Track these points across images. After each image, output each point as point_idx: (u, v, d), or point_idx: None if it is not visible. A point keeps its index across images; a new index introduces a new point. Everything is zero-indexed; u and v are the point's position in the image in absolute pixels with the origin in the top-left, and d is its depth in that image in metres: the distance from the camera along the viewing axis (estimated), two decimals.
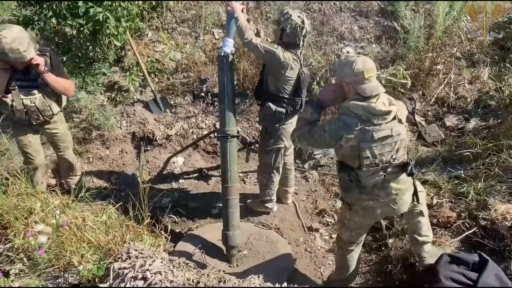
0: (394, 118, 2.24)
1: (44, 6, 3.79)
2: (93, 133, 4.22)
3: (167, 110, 4.49)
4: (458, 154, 3.80)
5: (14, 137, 3.25)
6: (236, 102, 3.11)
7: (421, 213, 2.61)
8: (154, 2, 4.77)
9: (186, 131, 4.39)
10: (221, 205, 3.22)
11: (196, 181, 4.08)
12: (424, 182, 3.50)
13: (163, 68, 4.65)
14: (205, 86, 3.37)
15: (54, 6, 3.71)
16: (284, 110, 2.97)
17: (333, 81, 3.98)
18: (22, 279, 2.10)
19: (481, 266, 2.27)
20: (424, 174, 3.69)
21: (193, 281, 1.97)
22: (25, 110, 2.97)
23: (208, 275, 2.06)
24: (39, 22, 3.94)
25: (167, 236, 2.66)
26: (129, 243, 2.21)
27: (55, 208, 2.53)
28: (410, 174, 2.32)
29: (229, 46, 2.92)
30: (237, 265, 3.02)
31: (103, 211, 2.69)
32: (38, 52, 2.90)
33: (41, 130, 3.24)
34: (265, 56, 2.85)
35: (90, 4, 3.61)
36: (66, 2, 3.71)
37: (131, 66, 4.38)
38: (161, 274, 1.93)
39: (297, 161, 4.11)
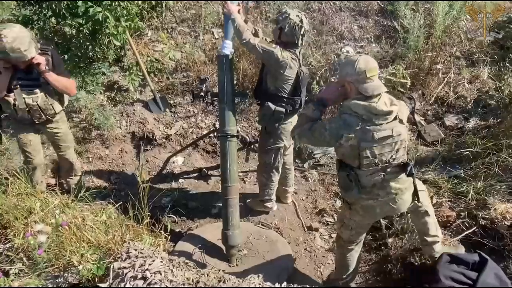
0: (395, 118, 2.24)
1: (44, 5, 3.79)
2: (92, 133, 4.21)
3: (167, 109, 4.49)
4: (458, 154, 3.80)
5: (15, 135, 3.24)
6: (235, 101, 3.10)
7: (426, 213, 2.59)
8: (153, 2, 4.77)
9: (185, 130, 4.39)
10: (220, 204, 3.23)
11: (196, 180, 4.08)
12: (423, 182, 3.48)
13: (162, 67, 4.65)
14: (204, 85, 3.36)
15: (54, 6, 3.71)
16: (283, 110, 2.97)
17: (332, 80, 4.00)
18: (22, 278, 2.11)
19: (480, 265, 2.28)
20: (424, 173, 3.69)
21: (192, 280, 1.98)
22: (27, 109, 2.97)
23: (207, 274, 2.07)
24: (39, 22, 3.94)
25: (166, 235, 2.66)
26: (128, 242, 2.22)
27: (55, 207, 2.54)
28: (410, 175, 2.32)
29: (228, 48, 2.93)
30: (236, 265, 3.02)
31: (102, 210, 2.69)
32: (40, 51, 2.89)
33: (43, 129, 3.23)
34: (264, 56, 2.85)
35: (90, 3, 3.61)
36: (65, 2, 3.70)
37: (130, 66, 4.37)
38: (160, 274, 1.93)
39: (296, 160, 4.11)
